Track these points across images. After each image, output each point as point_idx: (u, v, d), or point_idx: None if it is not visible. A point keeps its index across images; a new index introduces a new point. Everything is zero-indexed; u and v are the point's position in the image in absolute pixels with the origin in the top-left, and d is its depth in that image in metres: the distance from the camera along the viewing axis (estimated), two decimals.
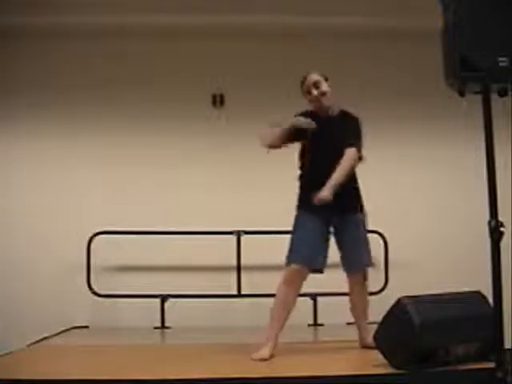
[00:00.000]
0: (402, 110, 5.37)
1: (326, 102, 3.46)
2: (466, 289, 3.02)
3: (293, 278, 3.29)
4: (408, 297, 2.82)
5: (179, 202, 5.16)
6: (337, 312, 4.55)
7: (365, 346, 3.41)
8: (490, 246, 2.43)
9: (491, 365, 2.44)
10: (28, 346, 3.88)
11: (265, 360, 3.11)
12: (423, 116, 5.36)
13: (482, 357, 2.74)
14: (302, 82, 3.49)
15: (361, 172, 5.02)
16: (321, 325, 4.93)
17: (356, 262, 3.43)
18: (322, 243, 3.36)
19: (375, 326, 2.99)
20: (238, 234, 5.02)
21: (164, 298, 4.91)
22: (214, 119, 5.40)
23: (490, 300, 2.51)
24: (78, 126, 5.33)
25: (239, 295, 4.96)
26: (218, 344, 3.84)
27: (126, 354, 3.48)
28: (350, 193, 3.41)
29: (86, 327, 4.93)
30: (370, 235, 4.94)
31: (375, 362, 2.86)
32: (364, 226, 3.50)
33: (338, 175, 3.24)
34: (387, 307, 2.87)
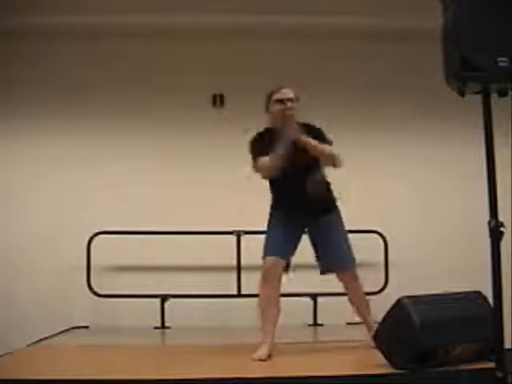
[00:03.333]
0: (402, 110, 5.37)
1: (293, 120, 3.40)
2: (466, 289, 3.02)
3: (269, 273, 3.34)
4: (408, 297, 2.82)
5: (179, 201, 5.16)
6: (337, 312, 4.55)
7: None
8: (490, 246, 2.43)
9: (491, 365, 2.44)
10: (28, 345, 3.88)
11: (263, 360, 3.11)
12: (423, 116, 5.35)
13: (482, 357, 2.74)
14: (271, 94, 3.46)
15: (361, 172, 5.04)
16: (321, 325, 4.93)
17: (336, 262, 3.44)
18: (292, 241, 3.43)
19: (375, 326, 2.99)
20: (238, 234, 5.02)
21: (164, 298, 4.91)
22: (214, 119, 5.40)
23: (490, 300, 2.51)
24: (79, 125, 5.33)
25: (239, 295, 4.96)
26: (217, 344, 3.85)
27: (126, 354, 3.48)
28: (322, 198, 3.46)
29: (86, 327, 4.93)
30: (370, 235, 5.00)
31: (375, 362, 2.86)
32: (340, 224, 3.51)
33: (319, 145, 3.32)
34: (387, 307, 2.88)
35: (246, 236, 5.01)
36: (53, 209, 5.21)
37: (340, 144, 5.31)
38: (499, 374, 2.35)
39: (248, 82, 5.31)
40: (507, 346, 2.43)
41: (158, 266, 5.16)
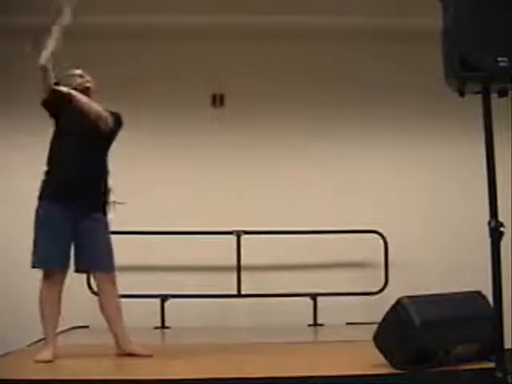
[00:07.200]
0: (403, 110, 5.37)
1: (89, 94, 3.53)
2: (466, 289, 3.02)
3: (49, 282, 3.27)
4: (408, 297, 2.82)
5: (179, 201, 5.16)
6: (337, 312, 4.55)
7: (124, 354, 3.34)
8: (490, 246, 2.43)
9: (491, 365, 2.44)
10: (28, 345, 3.87)
11: (48, 361, 3.09)
12: (423, 116, 5.36)
13: (482, 357, 2.74)
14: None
15: (361, 172, 5.04)
16: (321, 325, 4.92)
17: (96, 262, 3.35)
18: (68, 242, 3.27)
19: (375, 326, 2.99)
20: (238, 234, 5.01)
21: (164, 298, 4.91)
22: (214, 119, 5.40)
23: (490, 300, 2.51)
24: None
25: (239, 295, 4.96)
26: (217, 344, 3.84)
27: (126, 354, 3.48)
28: (98, 191, 3.37)
29: (86, 327, 4.93)
30: (370, 235, 5.00)
31: (375, 362, 2.86)
32: (107, 228, 3.39)
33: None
34: (387, 307, 2.87)
35: (246, 236, 5.01)
36: None
37: (340, 144, 5.39)
38: (499, 374, 2.35)
39: (248, 82, 5.31)
40: (507, 345, 2.43)
41: (158, 265, 5.16)
